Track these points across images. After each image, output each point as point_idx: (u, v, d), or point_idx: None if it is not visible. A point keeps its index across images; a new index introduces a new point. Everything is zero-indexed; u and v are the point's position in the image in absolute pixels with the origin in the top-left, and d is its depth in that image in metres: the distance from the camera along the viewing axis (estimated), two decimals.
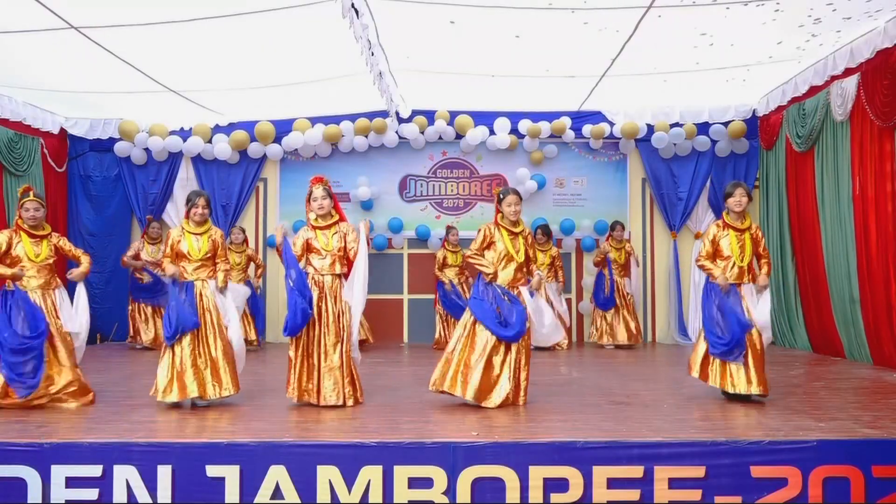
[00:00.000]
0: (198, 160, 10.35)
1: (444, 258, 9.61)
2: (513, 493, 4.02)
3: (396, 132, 10.22)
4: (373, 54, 7.16)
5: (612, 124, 10.22)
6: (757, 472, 4.05)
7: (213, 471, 4.05)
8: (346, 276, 5.53)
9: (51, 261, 5.54)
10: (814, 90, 8.43)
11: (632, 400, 5.66)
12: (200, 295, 5.52)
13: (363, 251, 5.47)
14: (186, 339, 5.40)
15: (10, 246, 5.42)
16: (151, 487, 4.03)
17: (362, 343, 8.63)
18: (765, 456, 4.08)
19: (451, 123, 10.22)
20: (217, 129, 10.24)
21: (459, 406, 5.37)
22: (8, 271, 5.37)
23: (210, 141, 10.19)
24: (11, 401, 5.27)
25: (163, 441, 4.25)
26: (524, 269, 5.60)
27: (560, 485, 4.03)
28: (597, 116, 10.27)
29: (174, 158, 10.31)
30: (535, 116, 10.21)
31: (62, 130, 10.13)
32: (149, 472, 4.04)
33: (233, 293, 5.80)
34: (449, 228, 9.78)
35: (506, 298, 5.45)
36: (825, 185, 8.29)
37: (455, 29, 6.88)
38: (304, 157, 10.39)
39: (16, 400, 5.27)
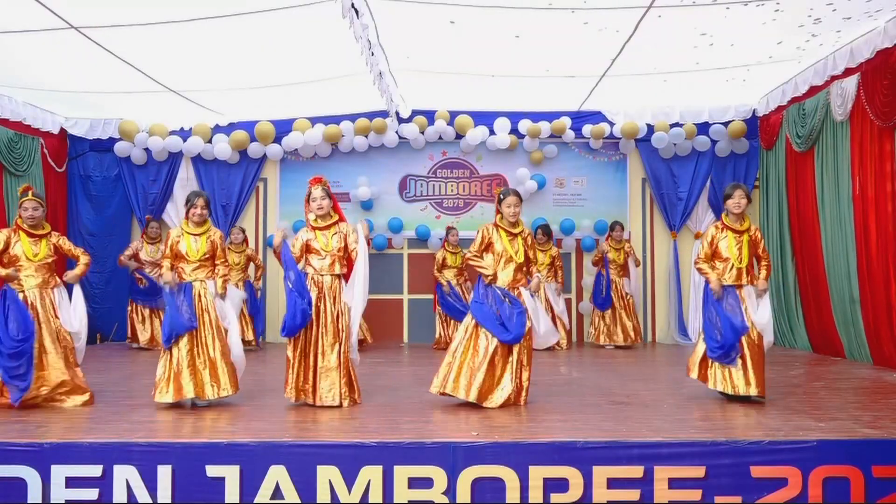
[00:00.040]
0: (198, 160, 10.35)
1: (444, 259, 9.60)
2: (513, 493, 4.01)
3: (396, 132, 10.22)
4: (373, 54, 7.16)
5: (612, 124, 10.23)
6: (757, 472, 4.05)
7: (213, 471, 4.05)
8: (346, 276, 5.54)
9: (49, 260, 5.52)
10: (814, 90, 8.43)
11: (632, 400, 5.66)
12: (199, 296, 5.52)
13: (363, 253, 5.47)
14: (184, 341, 5.40)
15: (7, 245, 5.41)
16: (151, 487, 4.02)
17: (361, 343, 8.64)
18: (765, 456, 4.07)
19: (451, 123, 10.22)
20: (217, 129, 10.24)
21: (459, 406, 5.37)
22: (2, 272, 5.36)
23: (210, 141, 10.19)
24: (4, 400, 5.29)
25: (163, 441, 4.25)
26: (524, 270, 5.60)
27: (560, 485, 4.03)
28: (597, 116, 10.28)
29: (174, 158, 10.32)
30: (535, 116, 10.21)
31: (62, 130, 10.13)
32: (149, 472, 4.04)
33: (229, 299, 5.79)
34: (449, 229, 9.77)
35: (506, 300, 5.44)
36: (825, 185, 8.29)
37: (455, 29, 6.88)
38: (304, 157, 10.39)
39: (7, 400, 5.27)
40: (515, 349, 5.39)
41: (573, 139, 10.45)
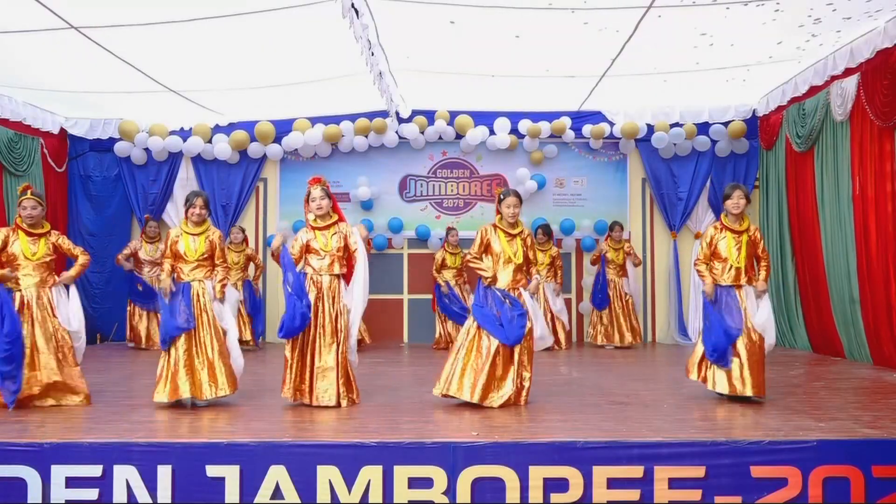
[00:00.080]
0: (198, 160, 10.35)
1: (443, 259, 9.60)
2: (513, 493, 4.01)
3: (396, 132, 10.22)
4: (373, 54, 7.16)
5: (612, 124, 10.23)
6: (757, 472, 4.05)
7: (213, 471, 4.05)
8: (346, 276, 5.53)
9: (48, 259, 5.51)
10: (814, 90, 8.43)
11: (632, 400, 5.66)
12: (197, 296, 5.52)
13: (362, 255, 5.47)
14: (181, 341, 5.40)
15: (6, 244, 5.40)
16: (151, 487, 4.02)
17: (359, 344, 8.58)
18: (765, 456, 4.07)
19: (451, 123, 10.22)
20: (217, 129, 10.24)
21: (459, 406, 5.37)
22: None
23: (210, 141, 10.19)
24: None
25: (163, 441, 4.25)
26: (524, 271, 5.60)
27: (560, 485, 4.03)
28: (597, 116, 10.28)
29: (174, 158, 10.31)
30: (535, 116, 10.21)
31: (62, 130, 10.13)
32: (149, 472, 4.03)
33: (227, 302, 5.78)
34: (449, 230, 9.77)
35: (506, 301, 5.44)
36: (825, 185, 8.29)
37: (455, 29, 6.88)
38: (304, 157, 10.39)
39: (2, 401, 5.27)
40: (516, 350, 5.39)
41: (573, 139, 10.44)
